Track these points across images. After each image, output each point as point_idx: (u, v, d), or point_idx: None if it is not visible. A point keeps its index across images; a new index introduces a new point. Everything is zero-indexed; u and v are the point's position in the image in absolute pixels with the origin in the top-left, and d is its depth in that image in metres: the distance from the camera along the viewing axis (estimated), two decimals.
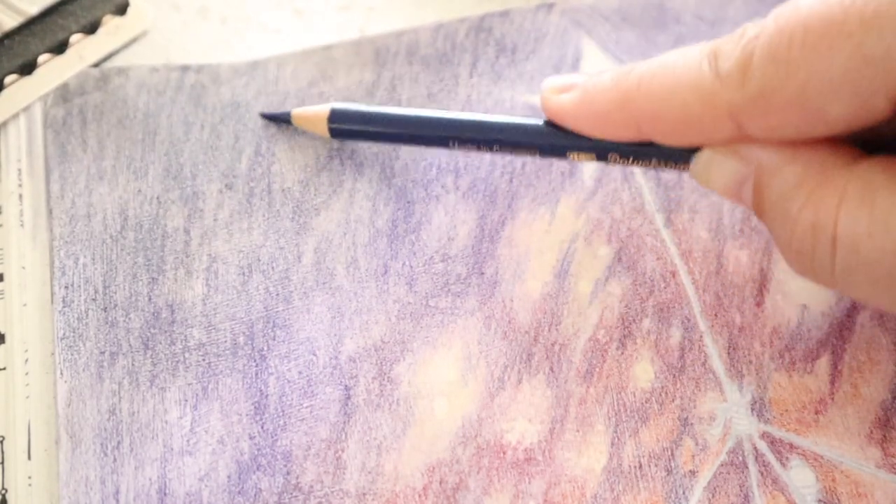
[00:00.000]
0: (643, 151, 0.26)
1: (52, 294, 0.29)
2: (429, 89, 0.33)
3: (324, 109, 0.30)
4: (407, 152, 0.31)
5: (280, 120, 0.32)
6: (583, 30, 0.34)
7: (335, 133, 0.30)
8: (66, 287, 0.29)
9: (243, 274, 0.29)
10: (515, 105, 0.32)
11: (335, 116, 0.30)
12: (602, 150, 0.27)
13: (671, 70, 0.24)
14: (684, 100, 0.24)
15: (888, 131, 0.22)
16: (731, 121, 0.23)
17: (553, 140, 0.27)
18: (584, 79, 0.26)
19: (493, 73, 0.33)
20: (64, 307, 0.29)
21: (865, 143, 0.23)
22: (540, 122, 0.27)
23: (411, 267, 0.30)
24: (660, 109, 0.24)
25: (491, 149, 0.28)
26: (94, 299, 0.29)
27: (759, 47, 0.22)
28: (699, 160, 0.25)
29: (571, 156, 0.27)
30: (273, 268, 0.30)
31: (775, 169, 0.23)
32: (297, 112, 0.31)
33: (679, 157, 0.26)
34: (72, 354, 0.28)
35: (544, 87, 0.27)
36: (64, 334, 0.28)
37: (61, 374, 0.28)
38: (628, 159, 0.26)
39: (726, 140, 0.24)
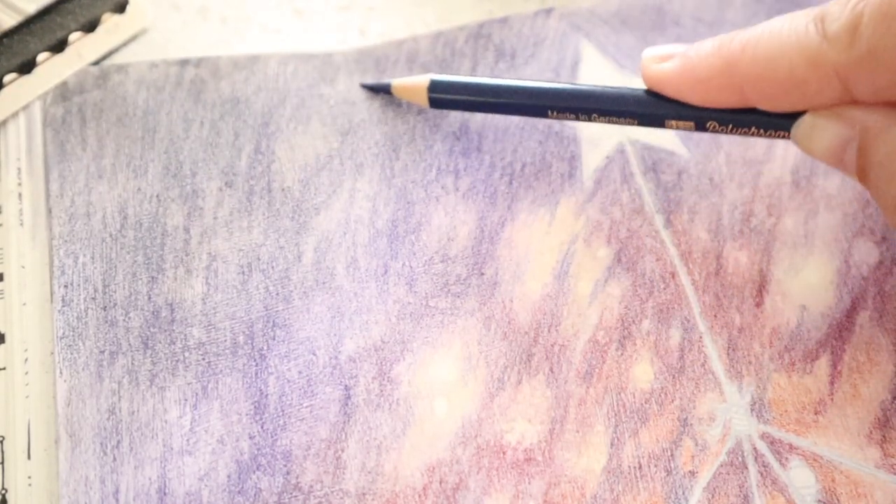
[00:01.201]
0: (744, 119, 0.26)
1: (52, 293, 0.29)
2: None
3: (423, 80, 0.31)
4: (407, 152, 0.31)
5: (381, 90, 0.32)
6: (581, 33, 0.34)
7: (435, 103, 0.31)
8: (66, 286, 0.29)
9: (243, 273, 0.29)
10: None
11: (435, 86, 0.31)
12: (702, 119, 0.27)
13: (777, 34, 0.24)
14: (791, 62, 0.24)
15: None
16: (839, 82, 0.23)
17: (653, 109, 0.28)
18: (684, 47, 0.27)
19: (493, 76, 0.33)
20: (63, 306, 0.29)
21: None
22: (640, 90, 0.28)
23: (411, 267, 0.30)
24: (765, 73, 0.24)
25: (590, 118, 0.29)
26: (93, 298, 0.29)
27: (869, 6, 0.22)
28: (802, 125, 0.25)
29: (670, 124, 0.27)
30: (273, 267, 0.29)
31: (882, 130, 0.23)
32: (397, 82, 0.32)
33: (780, 124, 0.26)
34: (71, 354, 0.28)
35: (645, 56, 0.28)
36: (63, 333, 0.28)
37: (61, 373, 0.28)
38: (728, 127, 0.27)
39: (832, 103, 0.24)
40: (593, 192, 0.31)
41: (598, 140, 0.32)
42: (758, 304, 0.29)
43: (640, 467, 0.27)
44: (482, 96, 0.30)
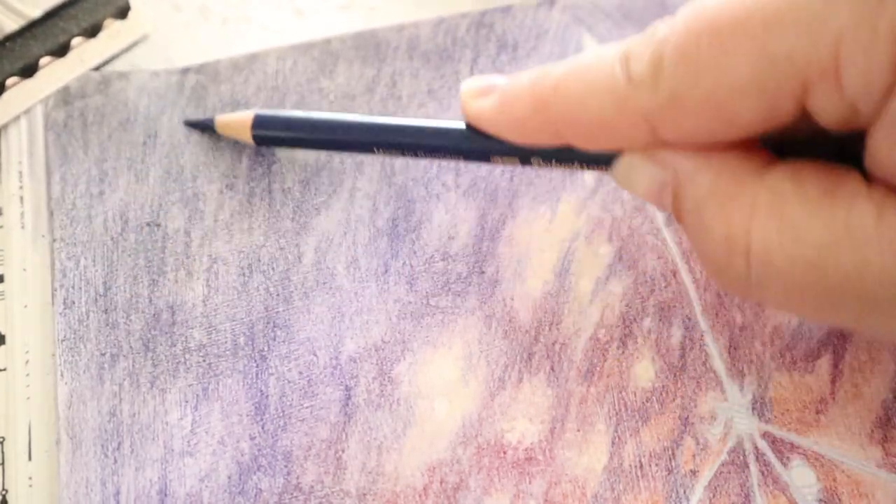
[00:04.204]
0: (565, 155, 0.25)
1: (53, 296, 0.29)
2: (429, 85, 0.33)
3: (247, 115, 0.30)
4: None
5: (204, 127, 0.32)
6: (584, 26, 0.34)
7: (259, 140, 0.30)
8: (67, 289, 0.29)
9: (244, 274, 0.29)
10: None
11: (259, 122, 0.30)
12: (525, 154, 0.26)
13: (585, 73, 0.23)
14: (599, 104, 0.23)
15: (797, 134, 0.22)
16: (646, 125, 0.22)
17: (475, 145, 0.26)
18: (502, 81, 0.26)
19: (494, 70, 0.33)
20: (65, 309, 0.29)
21: (776, 144, 0.22)
22: (462, 125, 0.27)
23: (412, 266, 0.30)
24: (575, 115, 0.23)
25: (415, 154, 0.28)
26: (94, 301, 0.29)
27: (670, 49, 0.21)
28: (620, 165, 0.24)
29: (495, 159, 0.27)
30: (273, 268, 0.30)
31: (689, 176, 0.23)
32: (220, 119, 0.31)
33: (601, 160, 0.25)
34: (72, 356, 0.28)
35: (463, 90, 0.26)
36: (65, 336, 0.28)
37: (62, 375, 0.28)
38: (551, 162, 0.26)
39: (644, 145, 0.23)
40: (594, 189, 0.31)
41: None
42: (759, 303, 0.29)
43: (642, 466, 0.27)
44: (306, 133, 0.29)
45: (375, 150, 0.28)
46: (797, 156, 0.22)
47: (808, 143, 0.22)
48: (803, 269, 0.20)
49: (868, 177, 0.21)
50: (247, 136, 0.30)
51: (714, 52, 0.20)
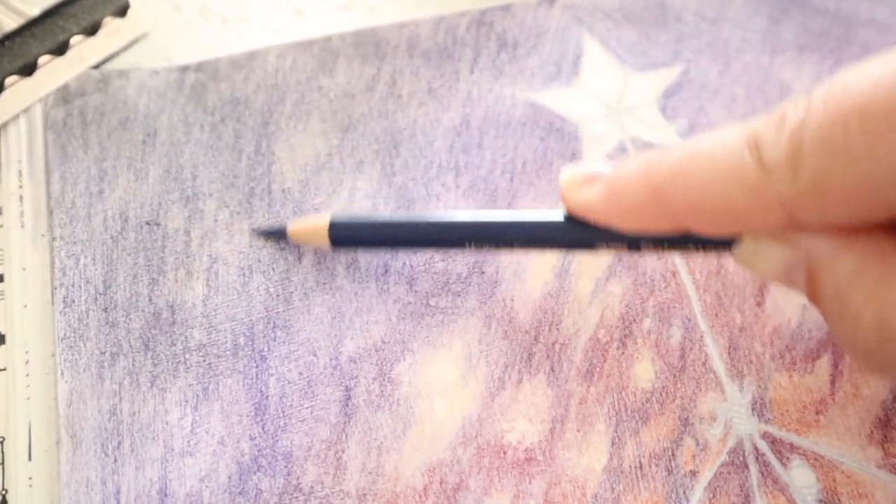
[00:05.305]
0: (680, 239, 0.24)
1: (53, 295, 0.29)
2: (429, 84, 0.33)
3: (323, 220, 0.28)
4: (407, 148, 0.31)
5: (276, 236, 0.30)
6: (584, 26, 0.34)
7: (337, 244, 0.28)
8: (67, 288, 0.29)
9: (244, 275, 0.29)
10: (516, 102, 0.32)
11: (335, 230, 0.28)
12: (635, 242, 0.25)
13: (708, 161, 0.22)
14: (727, 192, 0.22)
15: None
16: (783, 212, 0.21)
17: (579, 236, 0.25)
18: (607, 170, 0.25)
19: (495, 69, 0.33)
20: (65, 308, 0.29)
21: None
22: (560, 216, 0.26)
23: (411, 266, 0.30)
24: (700, 202, 0.22)
25: (511, 247, 0.26)
26: (94, 300, 0.29)
27: (810, 136, 0.20)
28: (744, 249, 0.24)
29: (600, 247, 0.25)
30: (273, 268, 0.30)
31: (830, 259, 0.22)
32: (293, 228, 0.29)
33: (719, 245, 0.24)
34: (72, 355, 0.28)
35: (563, 181, 0.25)
36: (64, 335, 0.28)
37: (62, 374, 0.28)
38: (662, 246, 0.24)
39: (775, 228, 0.22)
40: None
41: (600, 138, 0.31)
42: (759, 304, 0.29)
43: (641, 467, 0.27)
44: (390, 235, 0.28)
45: (467, 245, 0.27)
46: None
47: None
48: None
49: None
50: (324, 243, 0.29)
51: (866, 139, 0.19)
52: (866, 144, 0.19)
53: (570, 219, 0.25)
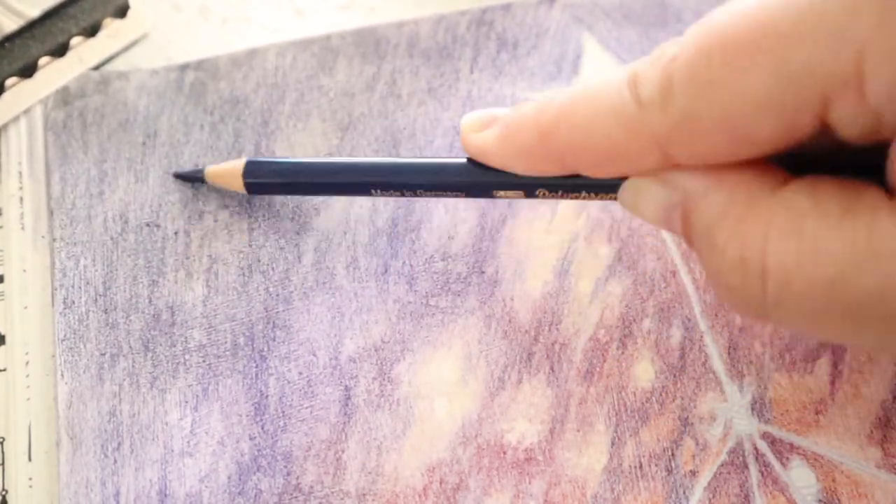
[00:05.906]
0: (570, 184, 0.25)
1: (53, 296, 0.29)
2: (429, 83, 0.33)
3: (238, 164, 0.29)
4: (407, 148, 0.31)
5: (193, 179, 0.31)
6: (584, 26, 0.34)
7: (252, 188, 0.29)
8: (67, 289, 0.29)
9: (243, 275, 0.29)
10: (517, 101, 0.32)
11: (250, 170, 0.29)
12: (530, 187, 0.25)
13: (592, 99, 0.23)
14: (607, 130, 0.22)
15: (814, 149, 0.21)
16: (657, 148, 0.22)
17: (477, 179, 0.26)
18: (504, 112, 0.25)
19: (494, 69, 0.33)
20: (65, 309, 0.29)
21: (791, 161, 0.22)
22: (462, 160, 0.26)
23: (411, 266, 0.30)
24: (583, 142, 0.23)
25: (415, 193, 0.27)
26: (94, 301, 0.29)
27: (679, 69, 0.20)
28: (626, 189, 0.24)
29: (498, 194, 0.26)
30: (273, 268, 0.30)
31: (701, 196, 0.22)
32: (210, 169, 0.30)
33: (608, 187, 0.24)
34: (72, 356, 0.28)
35: (463, 124, 0.26)
36: (64, 336, 0.28)
37: (62, 375, 0.28)
38: (557, 193, 0.25)
39: (654, 168, 0.23)
40: None
41: None
42: None
43: (641, 467, 0.27)
44: (301, 177, 0.28)
45: (373, 191, 0.27)
46: (813, 172, 0.21)
47: (825, 158, 0.21)
48: (823, 289, 0.20)
49: (890, 191, 0.20)
50: (239, 186, 0.29)
51: (727, 70, 0.20)
52: (727, 75, 0.20)
53: (471, 162, 0.26)
